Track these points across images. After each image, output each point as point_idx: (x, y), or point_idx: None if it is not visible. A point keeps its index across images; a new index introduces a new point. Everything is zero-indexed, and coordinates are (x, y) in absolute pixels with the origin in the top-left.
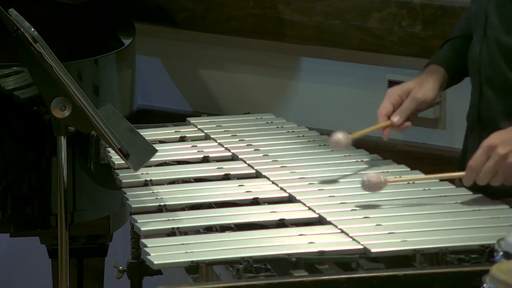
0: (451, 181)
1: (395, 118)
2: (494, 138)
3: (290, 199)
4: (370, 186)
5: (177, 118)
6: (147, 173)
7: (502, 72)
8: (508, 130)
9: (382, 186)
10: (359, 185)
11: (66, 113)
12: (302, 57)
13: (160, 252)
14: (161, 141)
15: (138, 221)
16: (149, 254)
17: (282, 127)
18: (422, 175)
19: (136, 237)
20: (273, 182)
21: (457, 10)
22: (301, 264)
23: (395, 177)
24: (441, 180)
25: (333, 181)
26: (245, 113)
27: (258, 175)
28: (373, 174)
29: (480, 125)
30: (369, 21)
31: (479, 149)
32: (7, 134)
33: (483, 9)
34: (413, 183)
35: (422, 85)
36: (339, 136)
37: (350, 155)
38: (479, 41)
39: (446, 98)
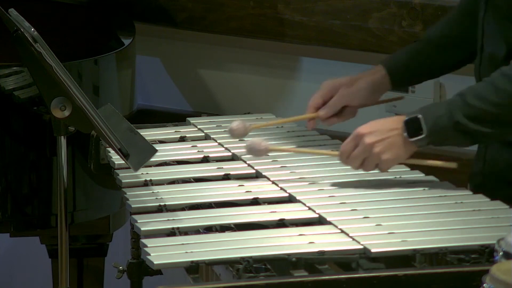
0: None
1: (321, 112)
2: (364, 128)
3: (290, 199)
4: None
5: (177, 118)
6: (147, 173)
7: None
8: (379, 121)
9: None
10: (359, 185)
11: (66, 113)
12: (302, 57)
13: (160, 252)
14: (161, 141)
15: (138, 221)
16: (149, 254)
17: (282, 127)
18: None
19: (136, 237)
20: (273, 182)
21: None
22: (301, 264)
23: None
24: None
25: (333, 181)
26: (245, 113)
27: (258, 175)
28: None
29: None
30: (369, 21)
31: (350, 136)
32: (7, 134)
33: (480, 21)
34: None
35: (352, 85)
36: (237, 124)
37: None
38: (479, 53)
39: (446, 96)
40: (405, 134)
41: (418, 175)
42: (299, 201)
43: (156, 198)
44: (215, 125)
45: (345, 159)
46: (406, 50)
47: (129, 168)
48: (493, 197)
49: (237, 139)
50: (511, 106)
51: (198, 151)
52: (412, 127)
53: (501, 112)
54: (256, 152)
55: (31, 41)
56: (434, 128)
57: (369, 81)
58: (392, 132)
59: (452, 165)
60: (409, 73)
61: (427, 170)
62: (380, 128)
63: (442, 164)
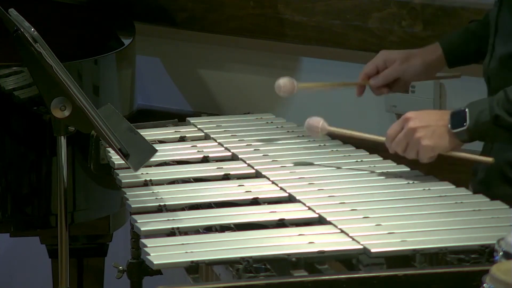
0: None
1: (372, 81)
2: (412, 112)
3: (290, 199)
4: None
5: (177, 118)
6: (147, 173)
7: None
8: (429, 110)
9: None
10: (359, 185)
11: (66, 113)
12: (302, 57)
13: (160, 252)
14: (161, 141)
15: (138, 221)
16: (149, 254)
17: (282, 127)
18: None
19: (136, 237)
20: (273, 182)
21: (457, 10)
22: (301, 264)
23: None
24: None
25: (333, 181)
26: (245, 113)
27: (258, 175)
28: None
29: None
30: (369, 21)
31: (398, 120)
32: (7, 134)
33: (494, 19)
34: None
35: (408, 60)
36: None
37: (350, 155)
38: (489, 53)
39: (446, 96)
40: (449, 125)
41: (418, 175)
42: (299, 201)
43: (156, 198)
44: (215, 125)
45: (390, 142)
46: (462, 31)
47: (129, 168)
48: (493, 193)
49: (285, 96)
50: None
51: (198, 151)
52: (456, 119)
53: None
54: (314, 130)
55: (31, 41)
56: (476, 121)
57: (426, 60)
58: (438, 121)
59: (489, 159)
60: (464, 53)
61: (427, 170)
62: (428, 116)
63: (480, 158)
